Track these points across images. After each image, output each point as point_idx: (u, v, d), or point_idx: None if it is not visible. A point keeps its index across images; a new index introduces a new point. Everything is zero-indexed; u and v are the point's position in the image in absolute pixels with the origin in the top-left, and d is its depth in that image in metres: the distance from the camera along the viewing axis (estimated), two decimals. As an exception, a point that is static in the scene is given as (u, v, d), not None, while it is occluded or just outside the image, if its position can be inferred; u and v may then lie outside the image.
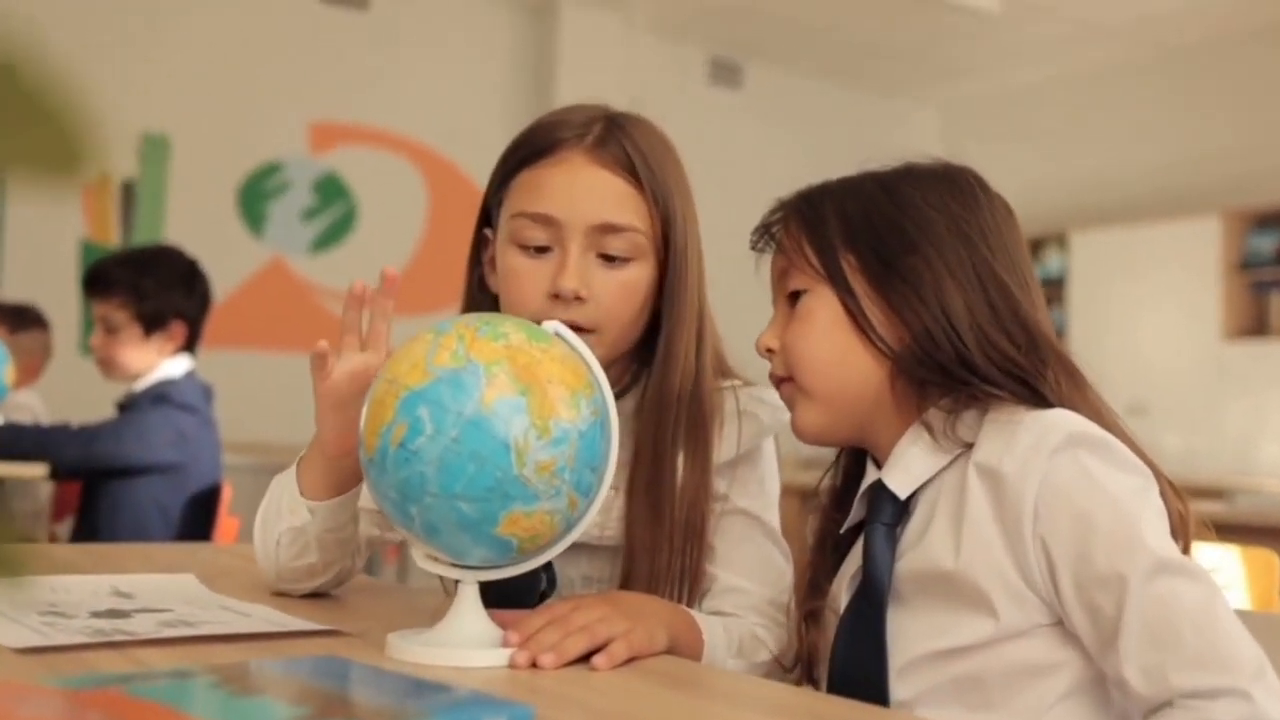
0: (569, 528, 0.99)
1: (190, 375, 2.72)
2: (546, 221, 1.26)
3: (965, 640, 1.03)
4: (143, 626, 1.03)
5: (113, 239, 5.37)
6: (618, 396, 1.34)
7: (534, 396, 0.93)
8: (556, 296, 1.24)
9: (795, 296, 1.17)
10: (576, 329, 1.27)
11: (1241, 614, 0.99)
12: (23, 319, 3.53)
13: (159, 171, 5.53)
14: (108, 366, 2.67)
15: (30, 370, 3.44)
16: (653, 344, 1.31)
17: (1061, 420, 1.03)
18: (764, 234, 1.23)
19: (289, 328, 5.74)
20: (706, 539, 1.28)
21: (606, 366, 1.33)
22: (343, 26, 5.93)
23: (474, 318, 1.01)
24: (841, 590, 1.16)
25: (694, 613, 1.20)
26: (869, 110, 7.37)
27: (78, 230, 5.33)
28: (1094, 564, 0.99)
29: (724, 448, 1.30)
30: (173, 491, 2.62)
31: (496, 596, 1.26)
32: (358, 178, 6.01)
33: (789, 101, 7.21)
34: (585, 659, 0.98)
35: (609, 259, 1.27)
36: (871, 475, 1.16)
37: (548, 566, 1.30)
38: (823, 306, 1.14)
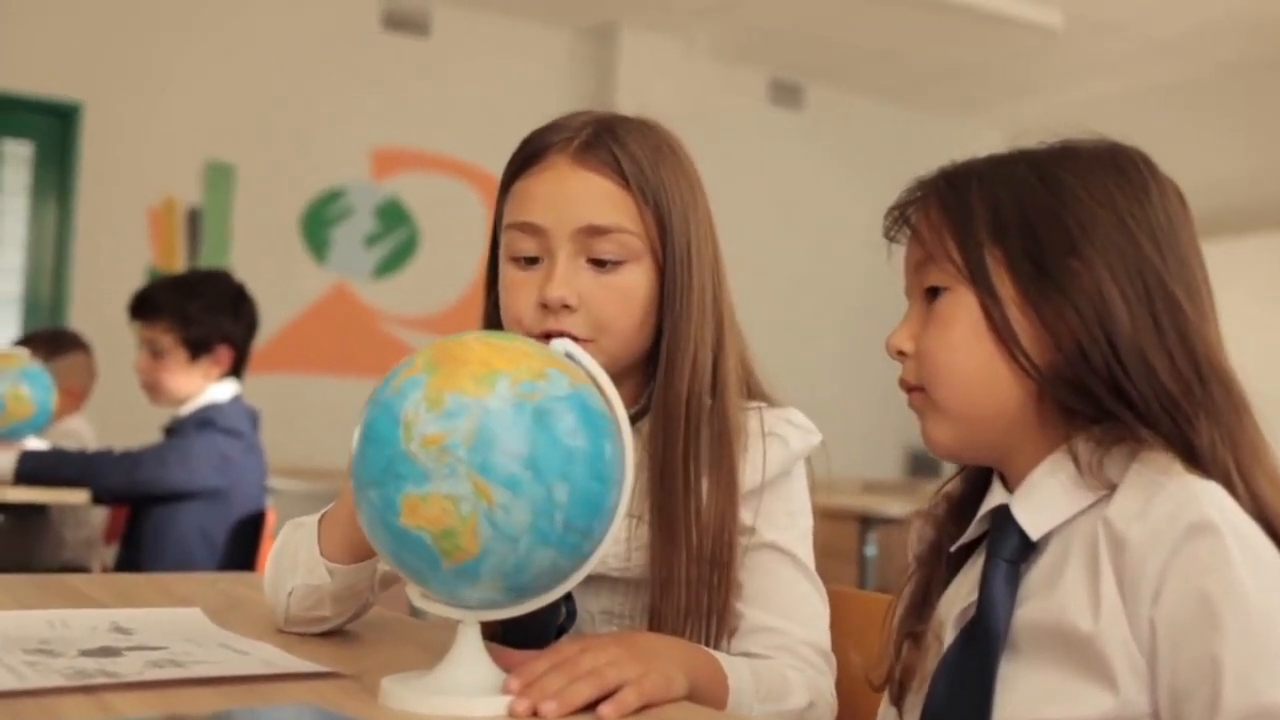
0: (495, 527, 0.84)
1: (236, 400, 2.70)
2: (533, 231, 1.21)
3: (1082, 714, 0.91)
4: (130, 667, 0.98)
5: (179, 266, 5.40)
6: (634, 418, 1.27)
7: (438, 374, 0.86)
8: (546, 306, 1.18)
9: (934, 293, 1.03)
10: (571, 339, 1.21)
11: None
12: (60, 343, 3.51)
13: (224, 199, 5.57)
14: (153, 391, 2.66)
15: (74, 395, 3.42)
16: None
17: (1204, 499, 0.90)
18: (899, 218, 1.08)
19: (352, 353, 5.75)
20: (735, 574, 1.20)
21: (615, 382, 1.27)
22: (404, 53, 5.95)
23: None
24: (949, 618, 1.04)
25: (719, 655, 1.12)
26: (931, 130, 7.25)
27: (145, 257, 5.37)
28: (1199, 675, 0.87)
29: (748, 474, 1.22)
30: (217, 517, 2.60)
31: (511, 634, 1.20)
32: (419, 203, 6.02)
33: (851, 122, 7.11)
34: (593, 707, 0.90)
35: (600, 263, 1.21)
36: (998, 495, 1.02)
37: (568, 599, 1.24)
38: (966, 310, 1.00)
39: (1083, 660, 0.92)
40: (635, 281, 1.22)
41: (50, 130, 5.27)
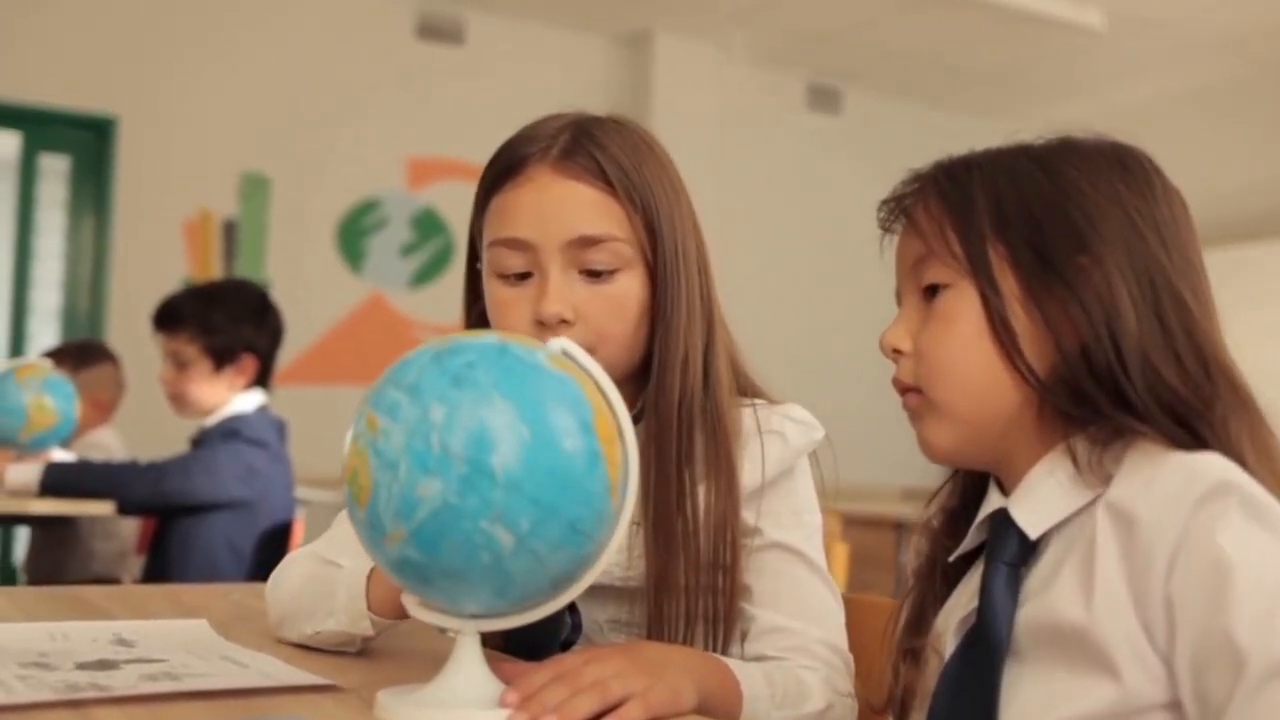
0: (378, 454, 0.82)
1: (262, 410, 2.68)
2: (521, 246, 1.17)
3: (1086, 708, 0.87)
4: (124, 680, 0.95)
5: (215, 278, 5.42)
6: (636, 419, 1.24)
7: None
8: (542, 323, 1.14)
9: (932, 290, 0.99)
10: None
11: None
12: (87, 355, 3.50)
13: (259, 210, 5.59)
14: (179, 402, 2.66)
15: (102, 407, 3.42)
16: None
17: (1212, 466, 0.87)
18: (896, 209, 1.04)
19: (389, 363, 5.71)
20: (739, 577, 1.16)
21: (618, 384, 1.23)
22: (439, 62, 5.95)
23: None
24: (948, 630, 1.00)
25: (732, 662, 1.08)
26: (970, 133, 7.06)
27: (181, 270, 5.39)
28: (1217, 641, 0.82)
29: (747, 473, 1.18)
30: (243, 528, 2.58)
31: (516, 644, 1.17)
32: (455, 212, 6.00)
33: (889, 126, 7.04)
34: (596, 720, 0.86)
35: (593, 274, 1.17)
36: (994, 501, 0.99)
37: (572, 609, 1.20)
38: (969, 308, 0.96)
39: (1080, 653, 0.88)
40: (629, 289, 1.18)
41: (87, 144, 5.30)
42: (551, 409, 0.83)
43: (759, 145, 6.69)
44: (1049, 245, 0.94)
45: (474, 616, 0.90)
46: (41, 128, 5.24)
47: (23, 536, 4.13)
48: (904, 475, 7.09)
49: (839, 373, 5.87)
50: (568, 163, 1.18)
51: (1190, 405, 0.90)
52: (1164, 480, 0.87)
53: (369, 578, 1.11)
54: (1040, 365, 0.94)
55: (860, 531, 2.49)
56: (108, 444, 3.28)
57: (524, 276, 1.18)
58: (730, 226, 6.46)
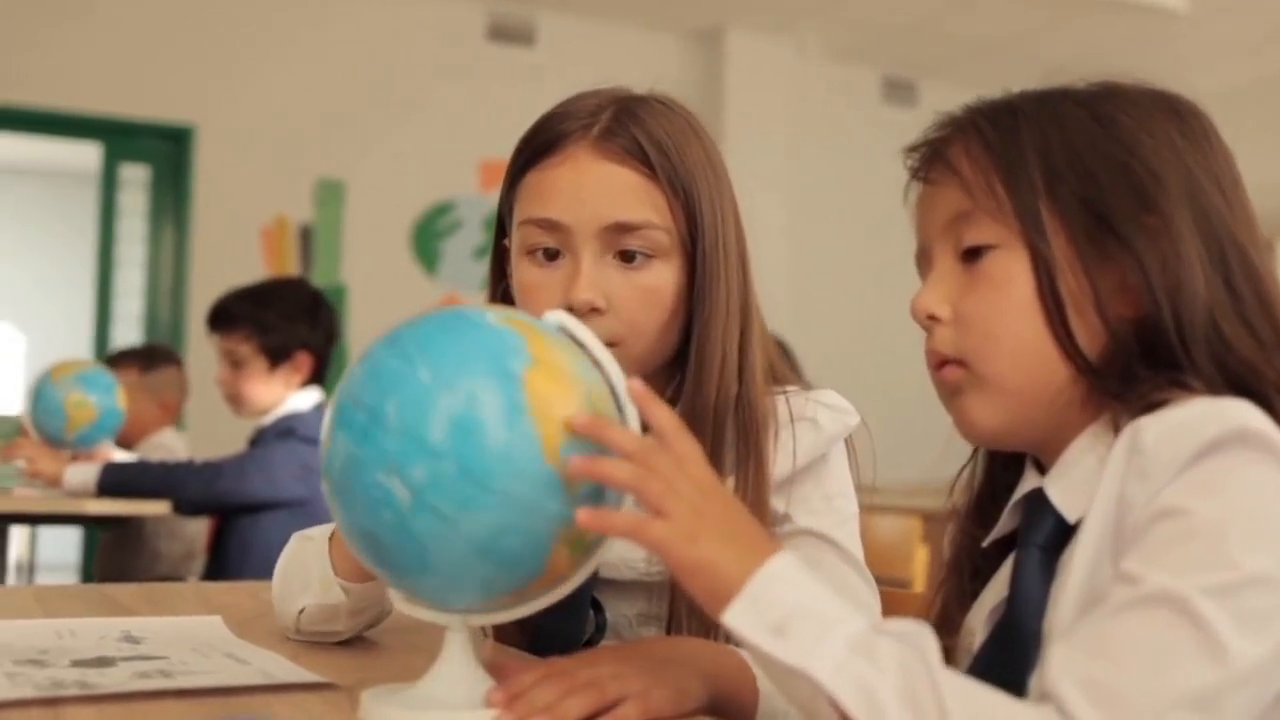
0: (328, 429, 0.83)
1: (319, 408, 2.68)
2: (553, 227, 1.12)
3: None
4: (114, 679, 0.93)
5: (292, 283, 5.47)
6: None
7: None
8: (571, 310, 1.09)
9: (973, 252, 0.88)
10: None
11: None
12: (153, 358, 3.55)
13: (335, 215, 5.63)
14: (235, 402, 2.66)
15: (167, 409, 3.45)
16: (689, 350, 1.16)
17: (1238, 411, 0.76)
18: (932, 156, 0.92)
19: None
20: None
21: (644, 377, 1.18)
22: (509, 63, 5.95)
23: None
24: (978, 625, 0.92)
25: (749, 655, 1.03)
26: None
27: (259, 275, 5.43)
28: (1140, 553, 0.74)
29: (779, 462, 1.13)
30: (301, 527, 2.54)
31: (539, 645, 1.13)
32: (528, 214, 6.00)
33: (969, 117, 6.91)
34: (589, 722, 0.81)
35: (627, 260, 1.12)
36: (1030, 481, 0.90)
37: (598, 609, 1.16)
38: (1022, 272, 0.85)
39: None
40: (663, 279, 1.13)
41: (166, 153, 5.39)
42: (466, 357, 0.79)
43: (834, 141, 6.60)
44: (1109, 203, 0.84)
45: (462, 610, 0.86)
46: (121, 138, 5.34)
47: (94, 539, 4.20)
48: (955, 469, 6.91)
49: (901, 365, 5.77)
50: (608, 143, 1.13)
51: (1259, 369, 0.81)
52: (1176, 413, 0.78)
53: (330, 540, 1.09)
54: (1089, 344, 0.85)
55: (920, 524, 2.39)
56: (171, 445, 3.31)
57: (553, 256, 1.14)
58: (806, 224, 6.38)
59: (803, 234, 6.30)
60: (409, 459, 0.75)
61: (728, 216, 1.16)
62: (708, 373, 1.13)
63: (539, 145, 1.15)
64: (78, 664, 0.99)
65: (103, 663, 1.00)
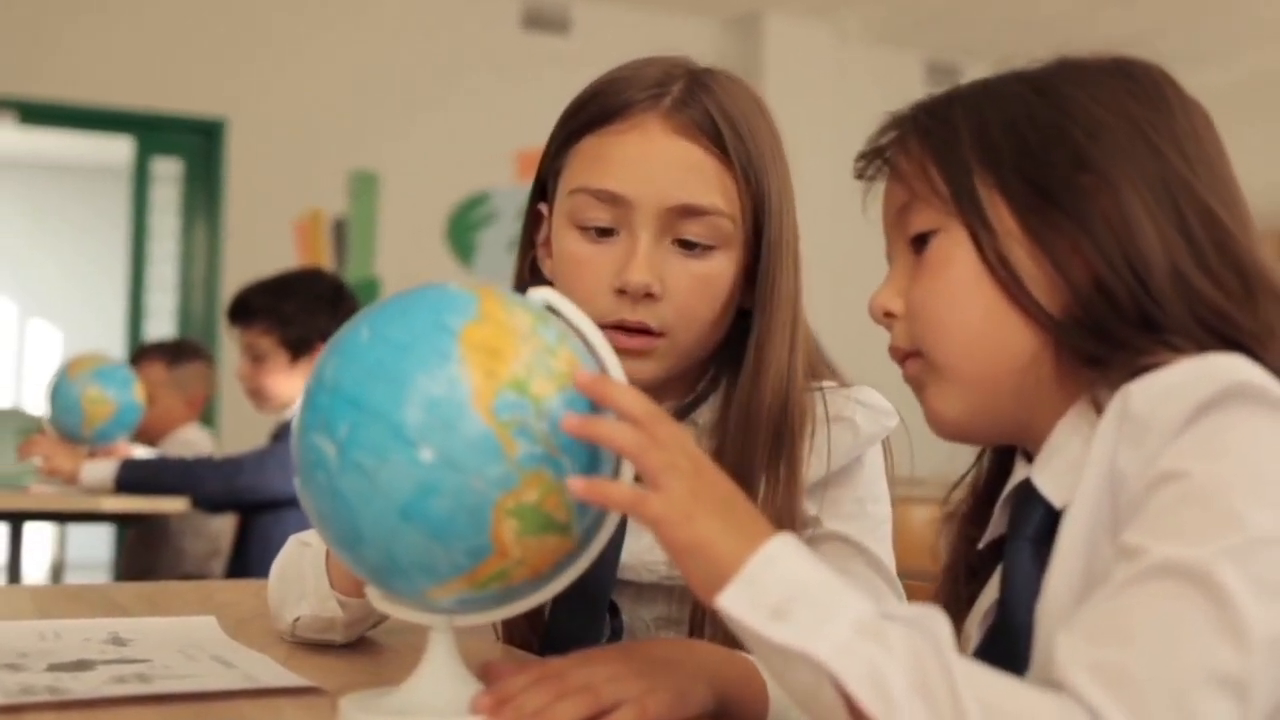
0: None
1: (343, 402, 2.63)
2: (613, 200, 1.04)
3: None
4: (89, 683, 0.88)
5: (327, 276, 5.45)
6: (693, 405, 1.12)
7: None
8: (623, 292, 1.03)
9: (922, 241, 0.87)
10: (644, 332, 1.05)
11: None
12: (180, 353, 3.50)
13: (368, 207, 5.60)
14: (257, 397, 2.62)
15: (193, 404, 3.40)
16: (731, 344, 1.09)
17: (1230, 366, 0.73)
18: (874, 158, 0.92)
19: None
20: None
21: (680, 373, 1.11)
22: (544, 52, 5.89)
23: None
24: (973, 630, 0.88)
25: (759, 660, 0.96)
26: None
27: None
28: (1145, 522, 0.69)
29: (812, 464, 1.06)
30: (325, 524, 2.53)
31: (550, 646, 1.07)
32: (564, 204, 5.96)
33: (1013, 101, 6.81)
34: (584, 731, 0.75)
35: (687, 246, 1.05)
36: (1019, 473, 0.86)
37: (614, 613, 1.10)
38: (961, 251, 0.84)
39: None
40: (722, 270, 1.06)
41: (198, 147, 5.38)
42: (405, 314, 0.75)
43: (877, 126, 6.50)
44: (1043, 170, 0.82)
45: (445, 611, 0.80)
46: (153, 132, 5.33)
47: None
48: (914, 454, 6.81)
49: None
50: (680, 116, 1.05)
51: (1233, 319, 0.78)
52: (1165, 376, 0.74)
53: (328, 556, 1.03)
54: (1051, 306, 0.81)
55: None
56: (196, 441, 3.26)
57: (606, 233, 1.06)
58: (848, 214, 6.28)
59: (844, 225, 6.20)
60: (336, 414, 0.73)
61: (789, 206, 1.10)
62: (765, 378, 1.06)
63: (600, 110, 1.07)
64: (54, 668, 0.93)
65: (80, 666, 0.94)
